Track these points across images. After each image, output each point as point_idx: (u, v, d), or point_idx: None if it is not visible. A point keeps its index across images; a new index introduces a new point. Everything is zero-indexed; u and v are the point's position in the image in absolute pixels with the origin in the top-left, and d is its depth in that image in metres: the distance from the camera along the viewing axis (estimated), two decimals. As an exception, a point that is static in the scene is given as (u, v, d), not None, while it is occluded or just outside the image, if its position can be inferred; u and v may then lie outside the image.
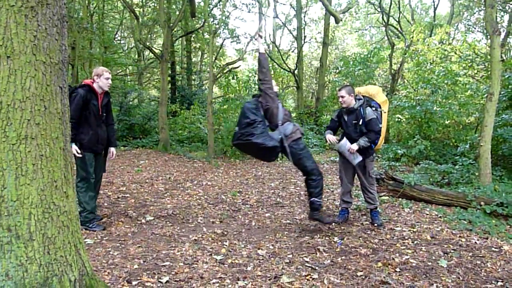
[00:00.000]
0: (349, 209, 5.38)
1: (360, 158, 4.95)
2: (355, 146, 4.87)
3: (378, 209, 5.28)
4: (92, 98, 4.60)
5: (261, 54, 4.71)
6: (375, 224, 5.10)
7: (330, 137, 5.11)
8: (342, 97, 4.98)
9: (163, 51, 12.58)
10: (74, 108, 4.36)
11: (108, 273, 3.35)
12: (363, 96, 5.10)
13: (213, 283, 3.23)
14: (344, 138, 4.99)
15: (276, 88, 4.73)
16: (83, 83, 4.70)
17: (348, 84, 5.07)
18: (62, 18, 2.33)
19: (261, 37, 5.02)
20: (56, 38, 2.28)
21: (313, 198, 4.62)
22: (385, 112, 5.13)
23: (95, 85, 4.66)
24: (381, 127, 4.99)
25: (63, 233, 2.29)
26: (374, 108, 5.00)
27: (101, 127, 4.75)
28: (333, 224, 5.05)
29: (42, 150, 2.20)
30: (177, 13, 14.23)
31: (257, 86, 15.58)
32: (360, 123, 4.94)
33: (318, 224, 5.02)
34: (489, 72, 9.40)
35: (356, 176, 5.23)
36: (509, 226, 5.21)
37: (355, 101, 5.02)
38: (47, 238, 2.21)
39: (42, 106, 2.20)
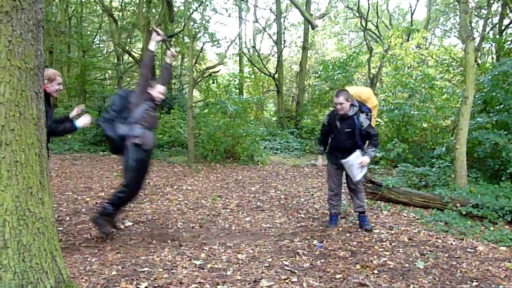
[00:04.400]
0: (338, 215, 5.31)
1: (365, 171, 4.81)
2: (367, 159, 4.70)
3: (366, 213, 5.19)
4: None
5: (149, 50, 4.55)
6: (365, 229, 4.99)
7: (319, 162, 5.50)
8: (341, 103, 4.70)
9: (142, 55, 12.50)
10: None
11: (86, 280, 3.31)
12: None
13: (193, 288, 3.23)
14: (357, 151, 4.74)
15: (155, 94, 4.51)
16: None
17: (343, 88, 4.89)
18: (38, 23, 2.31)
19: (158, 34, 4.54)
20: (32, 43, 2.26)
21: (108, 204, 4.40)
22: (374, 117, 5.06)
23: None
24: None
25: (38, 240, 2.26)
26: (365, 114, 4.86)
27: None
28: (313, 227, 5.09)
29: (17, 156, 2.18)
30: (157, 17, 14.16)
31: (237, 90, 15.61)
32: (352, 131, 4.78)
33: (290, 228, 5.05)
34: (464, 76, 9.62)
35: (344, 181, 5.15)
36: (484, 227, 5.34)
37: (350, 107, 4.78)
38: (22, 245, 2.18)
39: (17, 112, 2.18)
